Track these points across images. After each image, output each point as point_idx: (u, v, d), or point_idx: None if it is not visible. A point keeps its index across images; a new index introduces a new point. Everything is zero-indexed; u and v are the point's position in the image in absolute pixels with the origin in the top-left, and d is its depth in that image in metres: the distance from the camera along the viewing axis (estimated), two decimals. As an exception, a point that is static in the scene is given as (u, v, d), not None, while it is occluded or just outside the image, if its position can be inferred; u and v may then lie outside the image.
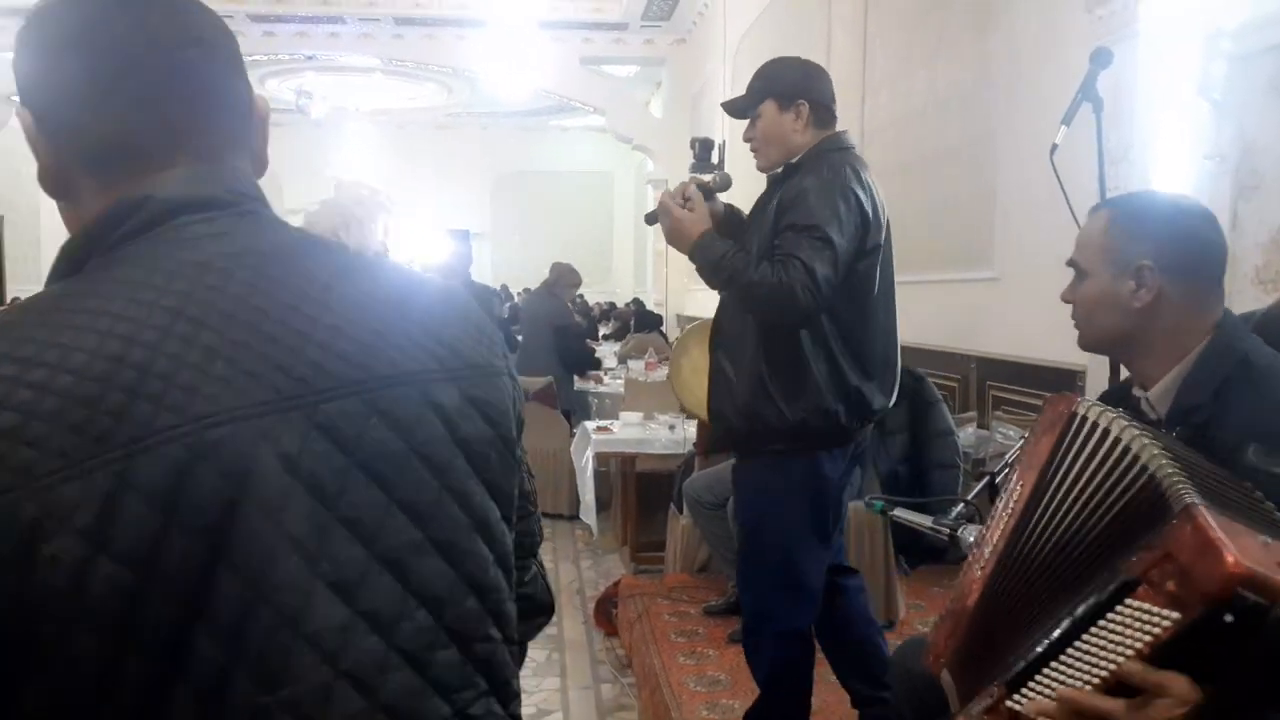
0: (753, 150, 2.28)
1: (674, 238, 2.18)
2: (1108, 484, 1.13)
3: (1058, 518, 1.18)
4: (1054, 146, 2.03)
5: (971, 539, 1.38)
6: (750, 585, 2.36)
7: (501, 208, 18.06)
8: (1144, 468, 1.09)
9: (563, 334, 5.61)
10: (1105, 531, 1.12)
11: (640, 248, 15.56)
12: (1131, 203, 1.50)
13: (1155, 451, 1.09)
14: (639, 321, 8.35)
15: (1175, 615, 0.99)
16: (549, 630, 3.79)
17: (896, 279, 5.33)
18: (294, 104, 13.86)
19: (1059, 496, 1.19)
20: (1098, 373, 3.65)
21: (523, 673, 3.14)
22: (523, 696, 0.86)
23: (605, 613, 3.72)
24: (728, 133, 8.34)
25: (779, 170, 2.23)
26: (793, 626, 2.25)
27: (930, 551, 3.19)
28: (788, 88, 2.21)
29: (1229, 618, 0.96)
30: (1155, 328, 1.36)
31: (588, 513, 4.35)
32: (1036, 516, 1.21)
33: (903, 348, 5.22)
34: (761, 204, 2.23)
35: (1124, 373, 2.17)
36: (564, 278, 5.94)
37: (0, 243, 13.04)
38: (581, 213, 17.74)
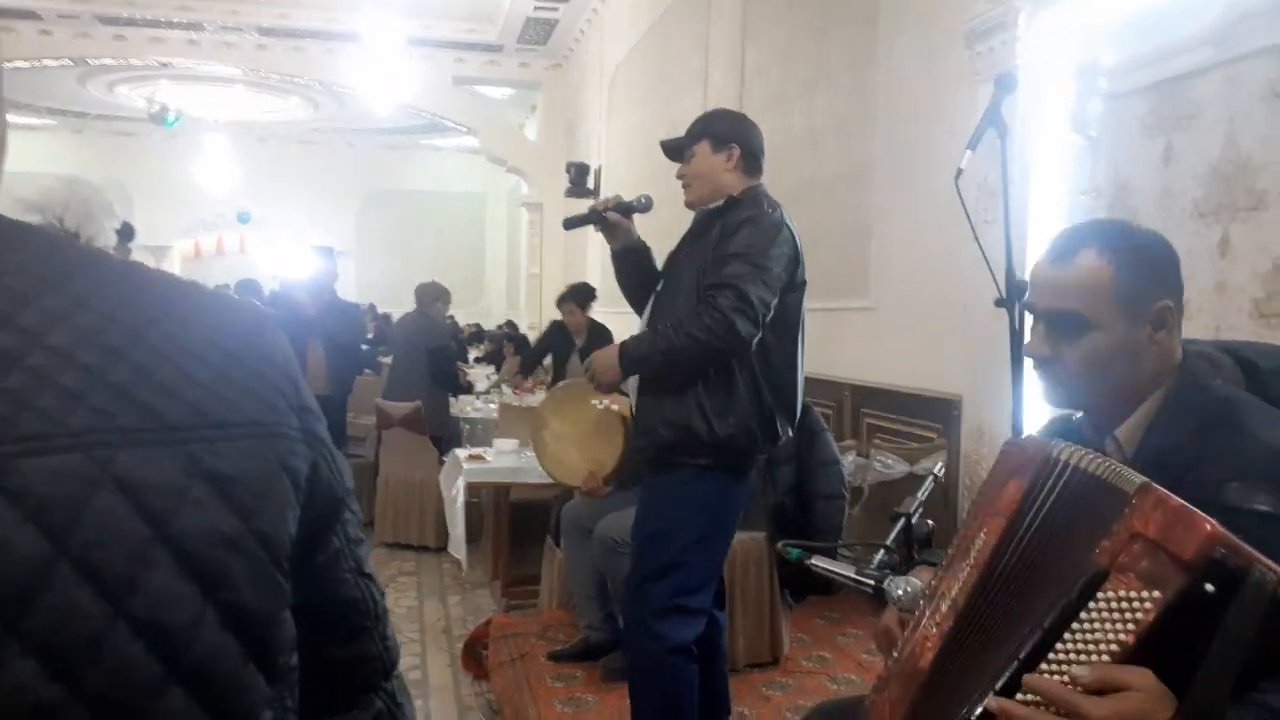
0: (684, 186, 2.40)
1: (603, 374, 2.31)
2: (1074, 512, 1.07)
3: (1028, 561, 1.10)
4: (959, 171, 1.98)
5: (900, 591, 1.27)
6: (642, 603, 2.33)
7: (368, 226, 17.55)
8: (1102, 479, 1.04)
9: (437, 356, 5.35)
10: (1063, 547, 1.05)
11: (514, 270, 15.35)
12: (1128, 237, 1.25)
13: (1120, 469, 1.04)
14: (518, 345, 8.16)
15: (1155, 594, 0.94)
16: (412, 674, 3.55)
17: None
18: (146, 112, 13.09)
19: (1028, 540, 1.10)
20: (975, 401, 3.69)
21: (385, 724, 2.81)
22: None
23: (475, 654, 3.50)
24: (603, 158, 8.33)
25: (719, 204, 2.34)
26: (682, 642, 2.30)
27: (815, 585, 3.12)
28: (722, 131, 2.38)
29: (1210, 587, 0.91)
30: (1150, 369, 1.22)
31: (457, 546, 4.13)
32: (1004, 563, 1.11)
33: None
34: (696, 234, 2.37)
35: (1027, 406, 2.11)
36: (435, 296, 5.69)
37: None
38: (453, 234, 17.41)
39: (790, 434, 2.37)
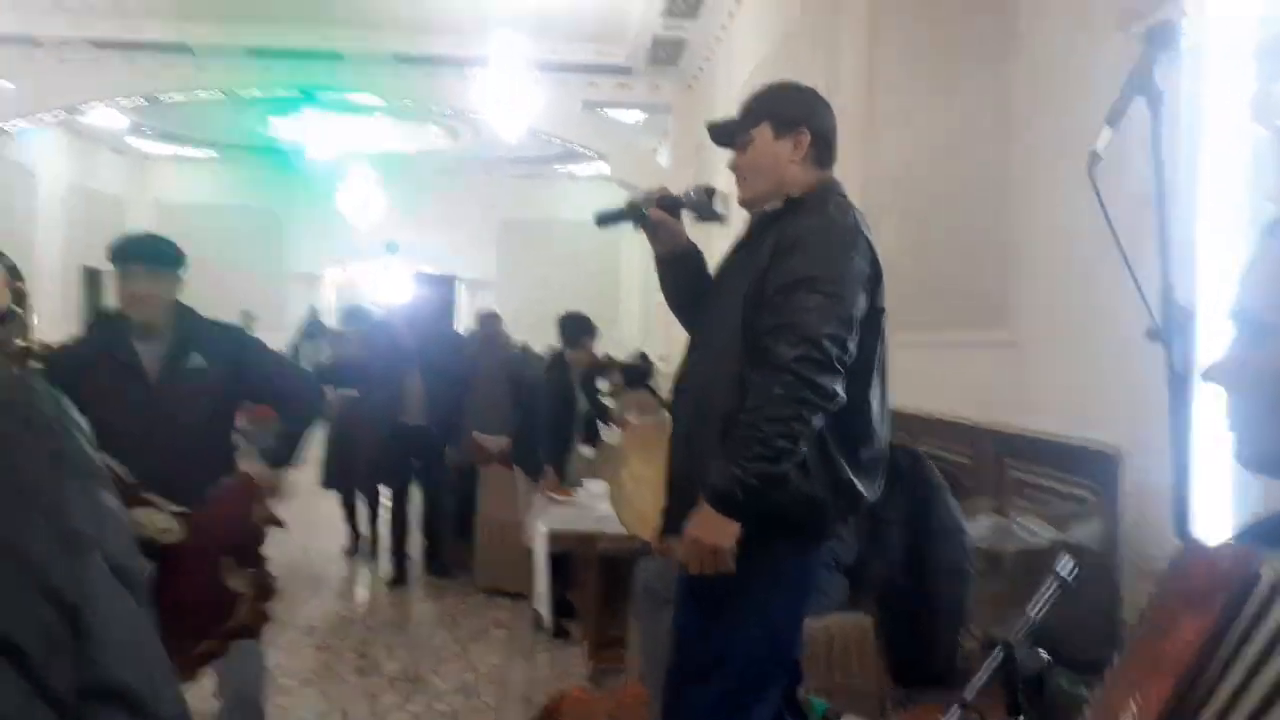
0: (738, 180, 1.98)
1: (717, 538, 1.75)
2: None
3: None
4: (1093, 155, 1.51)
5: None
6: (680, 712, 1.90)
7: (507, 255, 17.74)
8: None
9: (518, 385, 5.03)
10: None
11: (647, 298, 15.11)
12: None
13: None
14: (629, 377, 7.78)
15: None
16: (479, 750, 3.20)
17: (899, 338, 4.71)
18: (293, 143, 13.60)
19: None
20: (1139, 456, 3.07)
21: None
22: None
23: (546, 731, 3.12)
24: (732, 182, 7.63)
25: (777, 205, 1.91)
26: None
27: (934, 673, 2.59)
28: (788, 112, 1.97)
29: None
30: None
31: (540, 600, 3.78)
32: None
33: (905, 414, 4.62)
34: (748, 242, 1.95)
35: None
36: (492, 325, 5.49)
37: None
38: (589, 262, 17.34)
39: (876, 495, 1.89)
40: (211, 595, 1.76)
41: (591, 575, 3.84)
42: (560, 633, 4.22)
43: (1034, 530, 3.25)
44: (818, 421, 1.72)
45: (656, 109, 12.15)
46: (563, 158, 15.15)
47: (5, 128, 11.04)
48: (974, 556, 2.71)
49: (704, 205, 2.00)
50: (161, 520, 1.67)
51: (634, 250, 17.24)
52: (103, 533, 0.76)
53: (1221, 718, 0.67)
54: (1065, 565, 1.32)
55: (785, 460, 1.70)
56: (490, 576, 4.95)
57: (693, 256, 2.05)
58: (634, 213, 2.00)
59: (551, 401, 4.62)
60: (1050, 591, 1.23)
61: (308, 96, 11.99)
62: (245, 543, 1.77)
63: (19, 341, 1.48)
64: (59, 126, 12.69)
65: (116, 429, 2.41)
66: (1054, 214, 3.65)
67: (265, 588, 1.80)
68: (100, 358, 2.49)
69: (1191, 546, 0.80)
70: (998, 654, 1.16)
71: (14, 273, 1.48)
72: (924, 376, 4.72)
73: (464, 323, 14.89)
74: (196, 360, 2.49)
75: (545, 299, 15.02)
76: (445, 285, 5.85)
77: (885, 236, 5.06)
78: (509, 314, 16.69)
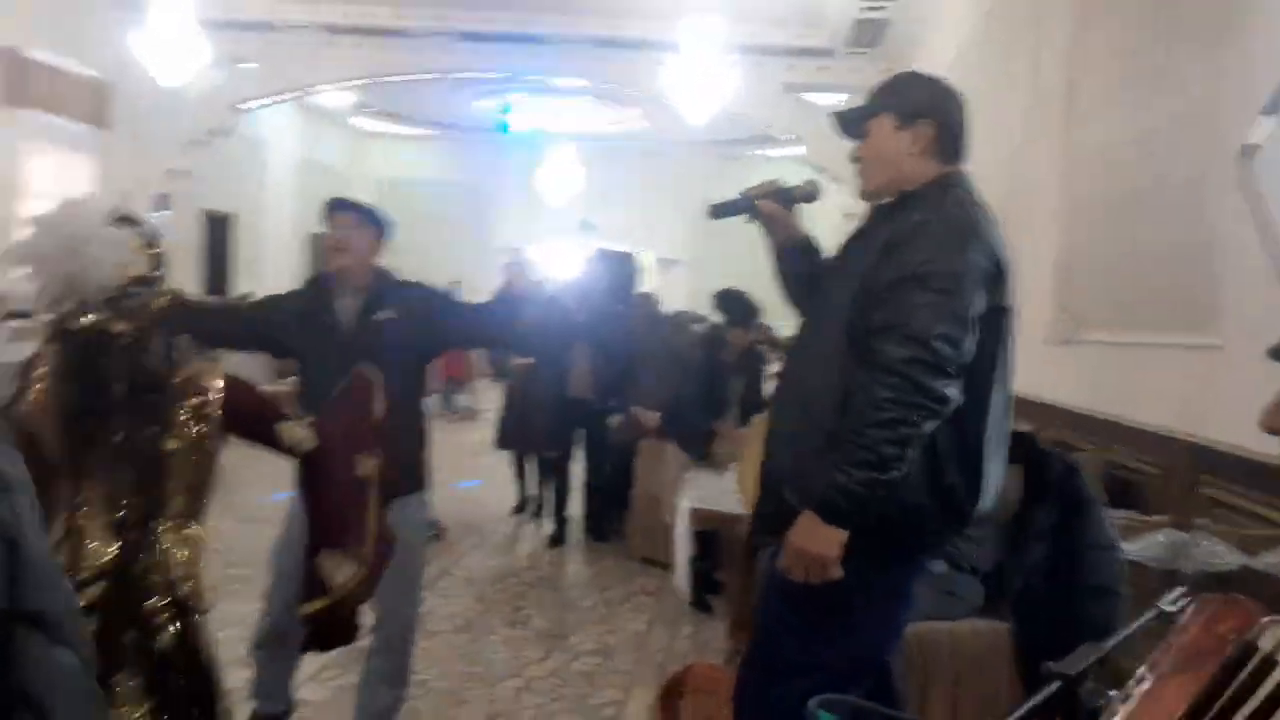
0: (859, 171, 1.92)
1: (821, 547, 1.68)
2: None
3: None
4: (1245, 149, 1.34)
5: None
6: (757, 711, 1.85)
7: (699, 234, 17.82)
8: None
9: (681, 362, 5.08)
10: None
11: (835, 285, 14.82)
12: None
13: None
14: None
15: None
16: (605, 711, 3.26)
17: (1093, 337, 4.40)
18: (495, 120, 14.21)
19: None
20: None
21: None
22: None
23: (673, 703, 3.15)
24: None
25: (890, 200, 1.85)
26: None
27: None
28: (911, 104, 1.89)
29: None
30: None
31: (680, 574, 3.81)
32: None
33: (1090, 417, 4.31)
34: (861, 236, 1.89)
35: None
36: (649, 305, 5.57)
37: (226, 241, 14.06)
38: (780, 245, 17.22)
39: (988, 508, 1.76)
40: (351, 490, 1.88)
41: (735, 555, 3.83)
42: (704, 607, 4.25)
43: (1217, 552, 2.96)
44: (928, 427, 1.63)
45: (857, 92, 11.83)
46: (760, 141, 15.04)
47: (247, 107, 12.03)
48: (1125, 576, 2.50)
49: (814, 198, 1.99)
50: (299, 431, 1.81)
51: (825, 235, 16.90)
52: (22, 478, 0.86)
53: None
54: (1172, 599, 1.19)
55: (893, 468, 1.62)
56: (643, 546, 5.02)
57: (807, 249, 2.01)
58: (746, 205, 1.99)
59: (702, 377, 4.60)
60: (1142, 625, 1.12)
61: (514, 79, 12.44)
62: (369, 434, 1.89)
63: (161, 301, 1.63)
64: (289, 103, 13.67)
65: (315, 375, 2.63)
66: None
67: (388, 470, 1.92)
68: (304, 312, 2.75)
69: (1200, 602, 0.74)
70: (1051, 688, 1.06)
71: (151, 237, 1.61)
72: (1116, 378, 4.39)
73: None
74: (386, 313, 2.69)
75: (736, 279, 14.94)
76: (625, 262, 5.98)
77: (1084, 228, 4.76)
78: (699, 292, 16.84)
